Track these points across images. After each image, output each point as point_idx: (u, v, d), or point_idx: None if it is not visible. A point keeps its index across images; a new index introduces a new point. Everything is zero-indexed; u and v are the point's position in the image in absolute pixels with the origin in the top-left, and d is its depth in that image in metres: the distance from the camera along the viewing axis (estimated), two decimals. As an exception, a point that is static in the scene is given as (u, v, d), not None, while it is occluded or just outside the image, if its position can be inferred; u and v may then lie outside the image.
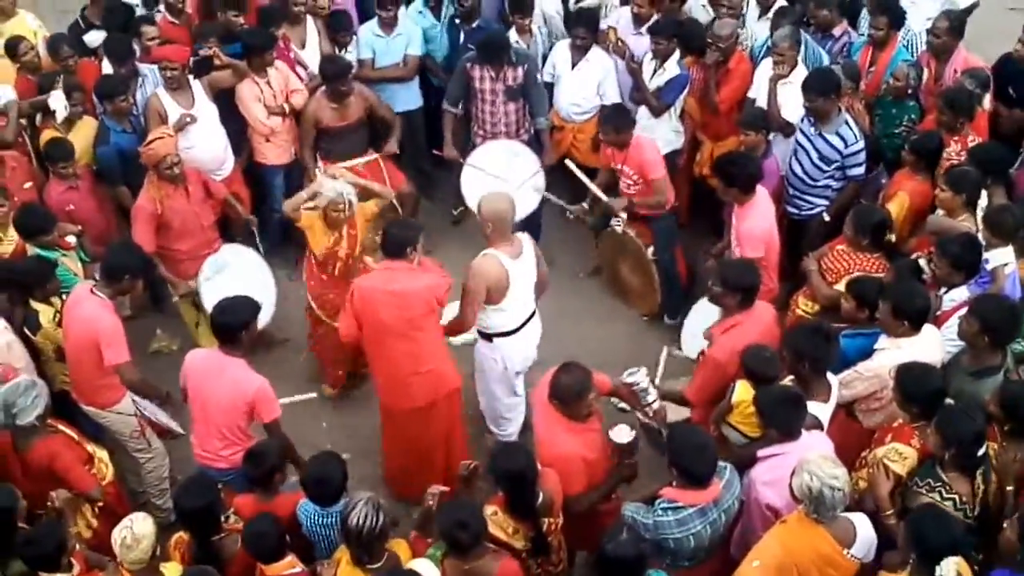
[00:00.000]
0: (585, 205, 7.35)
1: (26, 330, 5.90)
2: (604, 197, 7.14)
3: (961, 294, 5.43)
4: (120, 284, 5.64)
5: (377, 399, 6.20)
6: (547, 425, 4.98)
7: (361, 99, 7.67)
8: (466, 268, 5.85)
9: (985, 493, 4.50)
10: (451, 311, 5.98)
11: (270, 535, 4.53)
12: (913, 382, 4.71)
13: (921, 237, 6.07)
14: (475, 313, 5.86)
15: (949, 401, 4.75)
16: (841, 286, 5.69)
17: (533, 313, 6.14)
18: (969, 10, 7.82)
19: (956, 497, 4.42)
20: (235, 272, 6.72)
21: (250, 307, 5.36)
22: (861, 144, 6.62)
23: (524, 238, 5.99)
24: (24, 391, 5.06)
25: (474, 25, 8.10)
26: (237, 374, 5.24)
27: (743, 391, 5.09)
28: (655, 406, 5.31)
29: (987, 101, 6.87)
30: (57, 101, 7.00)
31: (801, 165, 6.80)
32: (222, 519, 4.70)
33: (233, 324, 5.26)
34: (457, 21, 8.15)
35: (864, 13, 7.77)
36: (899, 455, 4.67)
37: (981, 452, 4.45)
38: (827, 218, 6.81)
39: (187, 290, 6.79)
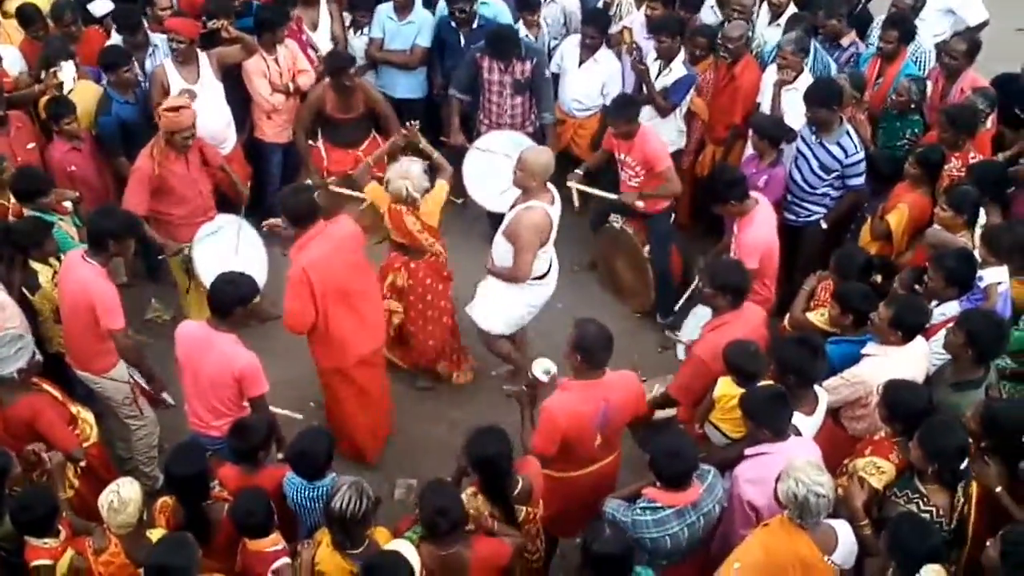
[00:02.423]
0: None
1: (24, 290, 5.89)
2: (613, 197, 7.15)
3: (952, 309, 5.45)
4: (107, 250, 5.60)
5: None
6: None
7: (366, 95, 7.69)
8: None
9: (963, 507, 4.51)
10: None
11: (258, 513, 4.53)
12: (899, 399, 4.71)
13: (918, 250, 6.11)
14: (531, 264, 6.03)
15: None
16: (814, 316, 5.70)
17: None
18: (979, 27, 7.86)
19: (933, 510, 4.43)
20: (228, 242, 6.68)
21: (250, 286, 5.34)
22: (861, 154, 6.67)
23: (551, 186, 6.14)
24: (8, 342, 5.04)
25: (473, 26, 8.11)
26: (226, 348, 5.23)
27: (725, 386, 5.11)
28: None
29: (991, 120, 6.90)
30: (67, 74, 6.97)
31: (801, 172, 6.84)
32: (210, 487, 4.71)
33: (231, 299, 5.23)
34: (454, 25, 8.15)
35: (874, 24, 7.80)
36: (876, 469, 4.69)
37: (963, 465, 4.47)
38: (824, 226, 6.84)
39: (176, 249, 6.72)
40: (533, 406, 5.07)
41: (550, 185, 6.15)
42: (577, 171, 7.24)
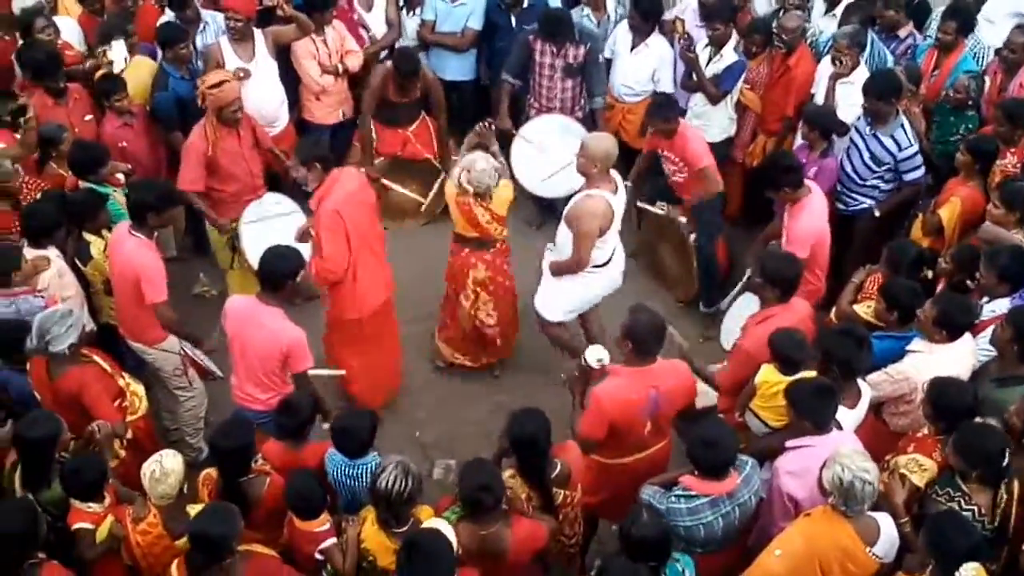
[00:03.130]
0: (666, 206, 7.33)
1: (77, 261, 6.00)
2: (661, 212, 7.22)
3: (1003, 305, 5.37)
4: (147, 223, 5.66)
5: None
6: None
7: (423, 81, 7.72)
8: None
9: (1007, 505, 4.46)
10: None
11: (313, 496, 4.59)
12: (944, 398, 4.65)
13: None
14: (590, 252, 6.02)
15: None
16: (861, 309, 5.65)
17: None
18: None
19: (975, 508, 4.38)
20: (276, 221, 6.75)
21: (299, 259, 5.39)
22: (915, 148, 6.59)
23: (615, 173, 6.11)
24: (60, 319, 5.11)
25: (525, 6, 8.09)
26: (274, 323, 5.29)
27: (768, 373, 5.07)
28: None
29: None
30: (117, 53, 7.04)
31: (852, 163, 6.78)
32: (252, 462, 4.77)
33: (281, 271, 5.29)
34: (502, 8, 8.14)
35: (933, 16, 7.69)
36: (919, 466, 4.65)
37: (1005, 463, 4.40)
38: (877, 213, 6.78)
39: (226, 225, 6.79)
40: (584, 392, 5.09)
41: (614, 173, 6.10)
42: (626, 183, 7.25)
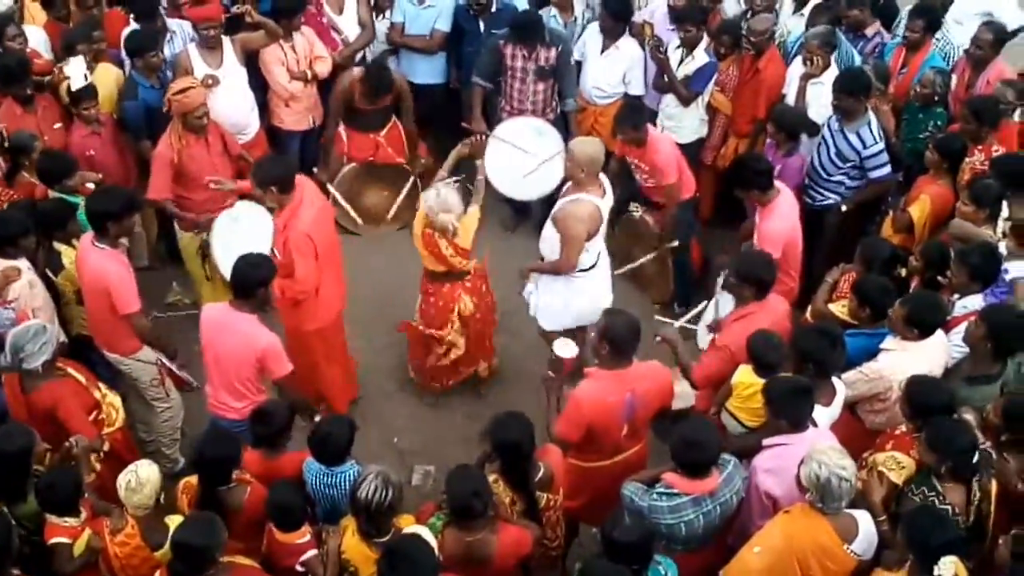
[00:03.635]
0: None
1: (48, 272, 5.93)
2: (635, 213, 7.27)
3: (975, 302, 5.44)
4: (107, 232, 5.59)
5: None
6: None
7: (395, 87, 7.73)
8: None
9: (980, 502, 4.50)
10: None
11: (296, 508, 4.57)
12: (922, 396, 4.69)
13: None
14: (577, 256, 6.02)
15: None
16: (836, 308, 5.69)
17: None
18: (1016, 32, 7.77)
19: (950, 507, 4.42)
20: (248, 229, 6.68)
21: (270, 267, 5.40)
22: (880, 146, 6.64)
23: (603, 178, 6.12)
24: (33, 336, 5.07)
25: (493, 10, 8.09)
26: (247, 329, 5.28)
27: (744, 374, 5.11)
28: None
29: (1020, 113, 6.82)
30: (76, 69, 6.96)
31: (819, 158, 6.86)
32: (232, 473, 4.73)
33: (253, 279, 5.28)
34: (471, 12, 8.13)
35: (901, 16, 7.76)
36: (897, 464, 4.68)
37: (975, 459, 4.44)
38: (843, 208, 6.84)
39: (200, 221, 6.73)
40: (559, 390, 5.10)
41: (603, 177, 6.11)
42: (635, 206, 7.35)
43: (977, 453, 4.44)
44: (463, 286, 6.38)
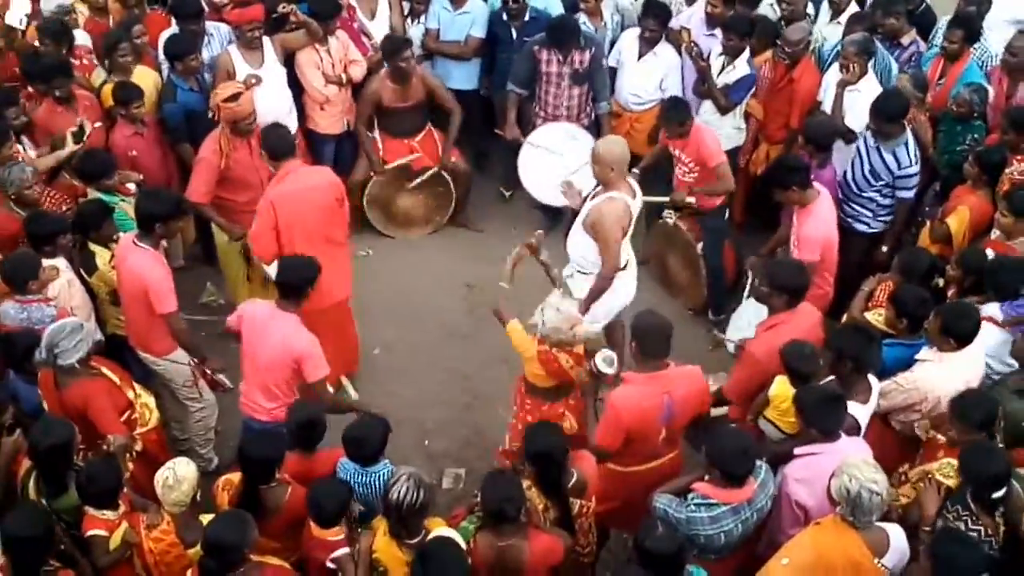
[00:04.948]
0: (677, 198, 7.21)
1: (83, 271, 6.00)
2: (665, 199, 7.17)
3: (992, 310, 5.42)
4: (154, 233, 5.66)
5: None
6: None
7: (423, 82, 7.74)
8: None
9: (1014, 529, 4.39)
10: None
11: (340, 505, 4.57)
12: (971, 408, 4.63)
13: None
14: (618, 255, 6.01)
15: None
16: (872, 316, 5.66)
17: None
18: None
19: (982, 529, 4.36)
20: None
21: (315, 267, 5.47)
22: (914, 169, 6.58)
23: (631, 179, 6.13)
24: (69, 333, 5.11)
25: (526, 19, 8.11)
26: (288, 330, 5.33)
27: (781, 386, 5.09)
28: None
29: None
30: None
31: (852, 173, 6.80)
32: (276, 472, 4.75)
33: (298, 281, 5.37)
34: (505, 18, 8.15)
35: (939, 25, 7.70)
36: (954, 469, 4.62)
37: (998, 494, 4.34)
38: (884, 248, 6.79)
39: (241, 234, 6.75)
40: (594, 398, 5.09)
41: (631, 178, 6.12)
42: (634, 170, 7.24)
43: (1006, 487, 4.35)
44: (567, 403, 5.60)
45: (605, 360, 5.11)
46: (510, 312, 5.72)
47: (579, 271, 6.25)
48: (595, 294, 6.08)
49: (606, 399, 4.97)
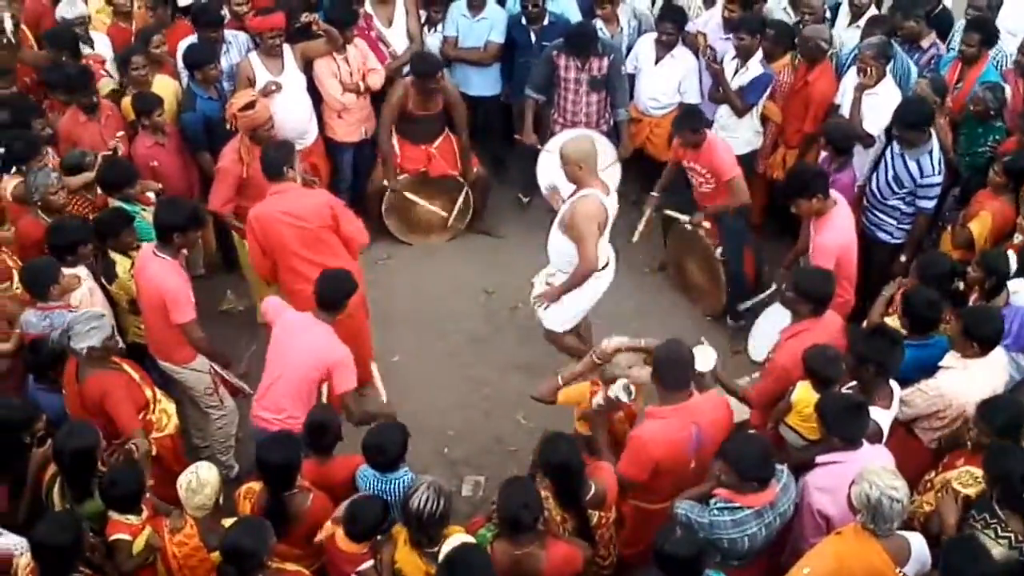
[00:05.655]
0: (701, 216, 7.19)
1: (103, 280, 6.03)
2: (685, 218, 7.20)
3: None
4: (172, 243, 5.69)
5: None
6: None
7: (445, 95, 7.75)
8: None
9: None
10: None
11: (377, 519, 4.57)
12: (997, 411, 4.62)
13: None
14: (596, 252, 5.99)
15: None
16: (891, 321, 5.63)
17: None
18: None
19: (1012, 535, 4.31)
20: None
21: (354, 280, 5.54)
22: (938, 179, 6.53)
23: (605, 177, 6.11)
24: (86, 319, 5.18)
25: (545, 24, 8.11)
26: (324, 338, 5.36)
27: (803, 391, 5.07)
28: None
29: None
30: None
31: (876, 180, 6.76)
32: (297, 477, 4.77)
33: (336, 295, 5.43)
34: (524, 22, 8.16)
35: (956, 28, 7.67)
36: (973, 478, 4.60)
37: None
38: (903, 258, 6.73)
39: None
40: (604, 426, 5.06)
41: (604, 177, 6.11)
42: (653, 193, 7.28)
43: None
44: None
45: (624, 389, 5.00)
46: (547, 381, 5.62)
47: (561, 272, 6.25)
48: (567, 288, 6.14)
49: (630, 435, 4.90)
